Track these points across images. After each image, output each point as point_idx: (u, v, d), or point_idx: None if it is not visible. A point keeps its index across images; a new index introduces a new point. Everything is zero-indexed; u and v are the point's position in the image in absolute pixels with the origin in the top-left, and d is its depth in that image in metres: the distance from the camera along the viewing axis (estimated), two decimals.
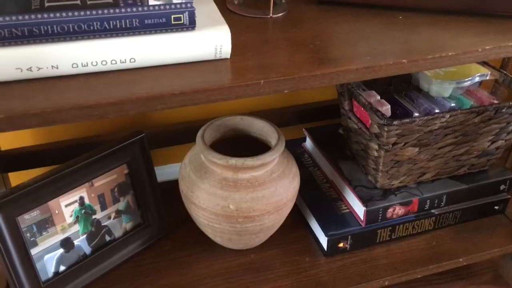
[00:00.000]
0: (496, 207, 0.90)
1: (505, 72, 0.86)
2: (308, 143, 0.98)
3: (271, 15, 0.63)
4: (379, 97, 0.80)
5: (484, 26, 0.63)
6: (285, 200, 0.75)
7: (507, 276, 0.94)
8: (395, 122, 0.73)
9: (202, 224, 0.77)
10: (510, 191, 0.89)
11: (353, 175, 0.86)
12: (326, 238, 0.81)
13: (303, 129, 0.98)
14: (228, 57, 0.54)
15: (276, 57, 0.56)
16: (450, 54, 0.57)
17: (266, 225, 0.76)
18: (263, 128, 0.80)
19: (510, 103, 0.78)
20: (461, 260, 0.83)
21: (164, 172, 0.95)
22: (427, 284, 0.93)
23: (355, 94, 0.80)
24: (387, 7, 0.65)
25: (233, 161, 0.71)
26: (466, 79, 0.81)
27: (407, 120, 0.73)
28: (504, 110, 0.78)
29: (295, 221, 0.87)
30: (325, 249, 0.82)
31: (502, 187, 0.88)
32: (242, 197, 0.72)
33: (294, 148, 0.99)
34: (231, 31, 0.54)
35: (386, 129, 0.73)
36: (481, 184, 0.86)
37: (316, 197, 0.88)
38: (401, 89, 0.86)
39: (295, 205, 0.88)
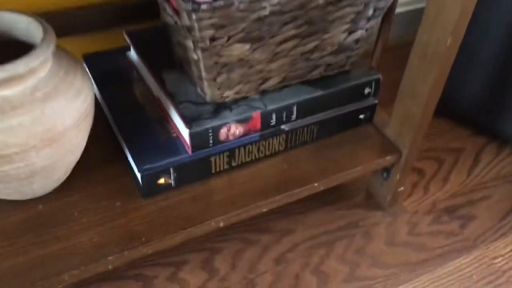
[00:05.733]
0: (362, 116, 0.73)
1: None
2: (133, 52, 0.75)
3: None
4: None
5: None
6: (61, 129, 0.53)
7: (378, 196, 0.81)
8: (203, 6, 0.51)
9: None
10: (377, 96, 0.73)
11: (179, 88, 0.66)
12: (139, 174, 0.61)
13: (124, 33, 0.75)
14: None
15: None
16: None
17: (39, 165, 0.54)
18: (29, 28, 0.55)
19: None
20: (316, 185, 0.67)
21: None
22: (287, 214, 0.78)
23: None
24: None
25: None
26: None
27: (222, 2, 0.52)
28: None
29: (107, 155, 0.66)
30: (142, 188, 0.62)
31: (367, 90, 0.71)
32: None
33: (117, 60, 0.76)
34: None
35: (194, 17, 0.52)
36: (341, 88, 0.69)
37: (136, 122, 0.67)
38: None
39: (113, 135, 0.67)
